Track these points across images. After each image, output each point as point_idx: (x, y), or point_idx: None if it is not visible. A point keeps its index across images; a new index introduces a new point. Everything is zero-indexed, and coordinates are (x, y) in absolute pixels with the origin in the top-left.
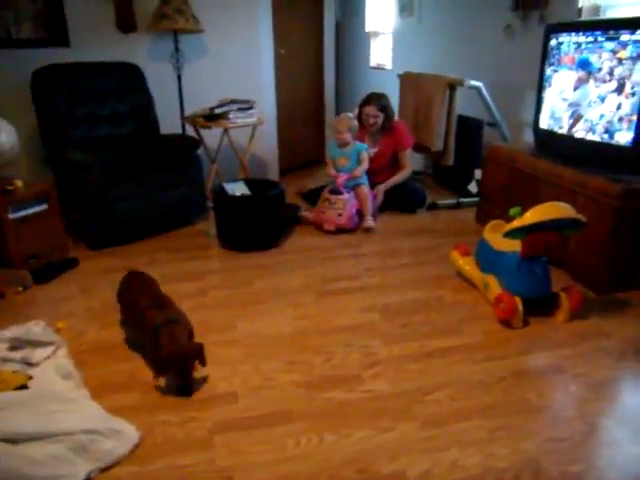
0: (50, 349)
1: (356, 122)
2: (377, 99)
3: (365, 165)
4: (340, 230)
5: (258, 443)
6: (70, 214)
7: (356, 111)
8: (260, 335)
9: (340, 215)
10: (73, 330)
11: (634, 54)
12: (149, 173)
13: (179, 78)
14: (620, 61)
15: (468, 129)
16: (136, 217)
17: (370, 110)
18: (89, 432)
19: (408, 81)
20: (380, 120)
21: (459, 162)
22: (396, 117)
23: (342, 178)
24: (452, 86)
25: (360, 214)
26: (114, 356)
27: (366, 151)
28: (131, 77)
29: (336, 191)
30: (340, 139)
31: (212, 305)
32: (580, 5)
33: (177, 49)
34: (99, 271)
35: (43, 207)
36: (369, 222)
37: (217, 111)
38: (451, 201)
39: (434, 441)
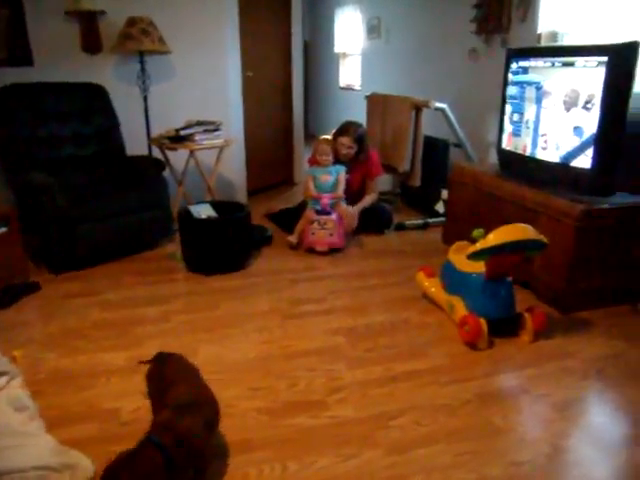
0: (3, 380)
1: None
2: (354, 131)
3: (343, 185)
4: (333, 250)
5: (219, 474)
6: (32, 237)
7: (331, 135)
8: (223, 361)
9: (332, 235)
10: (31, 358)
11: (589, 80)
12: (113, 195)
13: (145, 99)
14: (577, 86)
15: (435, 150)
16: (100, 240)
17: (345, 141)
18: (40, 468)
19: (375, 102)
20: (353, 151)
21: (426, 182)
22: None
23: (327, 198)
24: (418, 108)
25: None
26: (74, 385)
27: (344, 172)
28: (96, 98)
29: (323, 211)
30: (326, 162)
31: (175, 330)
32: (539, 31)
33: (143, 70)
34: (61, 296)
35: (3, 230)
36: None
37: (183, 133)
38: (418, 221)
39: (398, 468)
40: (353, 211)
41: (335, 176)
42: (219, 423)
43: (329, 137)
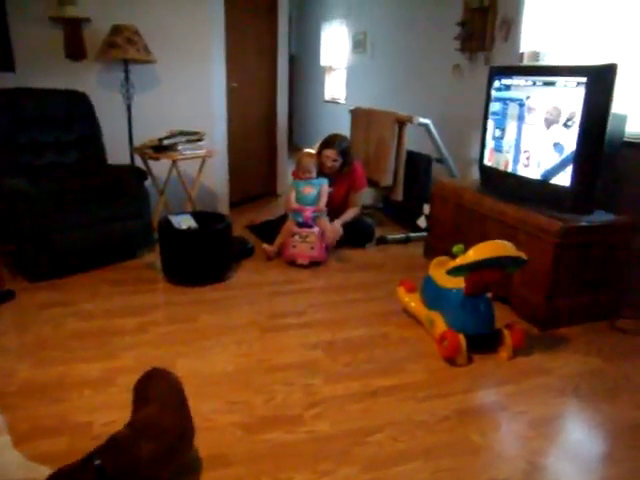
0: None
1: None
2: (338, 143)
3: (325, 199)
4: (313, 263)
5: None
6: (7, 244)
7: (315, 147)
8: (201, 374)
9: (313, 249)
10: (2, 369)
11: (570, 99)
12: (93, 203)
13: (129, 108)
14: (558, 104)
15: (417, 164)
16: (78, 248)
17: (330, 153)
18: None
19: (359, 116)
20: (338, 164)
21: (408, 197)
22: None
23: (309, 211)
24: (401, 122)
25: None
26: (45, 397)
27: (327, 185)
28: (78, 105)
29: (304, 224)
30: (309, 177)
31: (153, 342)
32: (521, 51)
33: (127, 79)
34: (36, 305)
35: None
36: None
37: (166, 142)
38: (400, 236)
39: None
40: (336, 226)
41: (318, 189)
42: (186, 452)
43: (312, 151)
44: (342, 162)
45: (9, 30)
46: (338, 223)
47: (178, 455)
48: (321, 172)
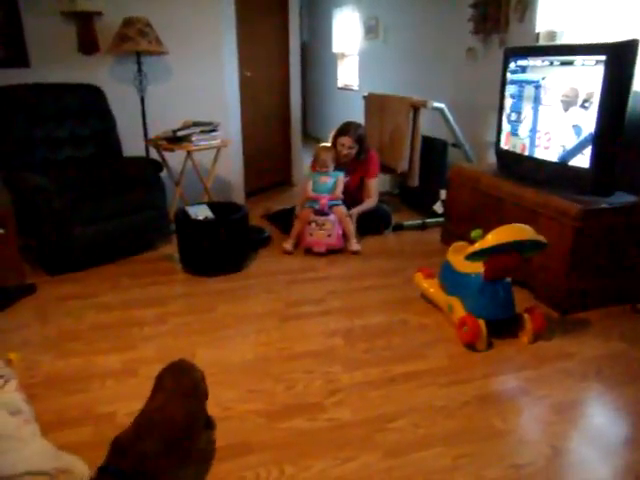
0: None
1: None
2: (354, 130)
3: (341, 188)
4: (331, 251)
5: (216, 477)
6: (28, 238)
7: (330, 136)
8: (220, 363)
9: (330, 236)
10: (26, 361)
11: (588, 78)
12: (110, 197)
13: (142, 100)
14: (576, 84)
15: (433, 150)
16: (97, 242)
17: (346, 141)
18: (35, 473)
19: (373, 102)
20: (354, 152)
21: (425, 182)
22: None
23: (326, 199)
24: (416, 108)
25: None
26: (69, 388)
27: (343, 176)
28: (92, 99)
29: (321, 212)
30: (326, 171)
31: (172, 332)
32: (537, 31)
33: (140, 71)
34: (57, 298)
35: (0, 232)
36: (355, 246)
37: (180, 134)
38: (417, 222)
39: (396, 471)
40: (351, 215)
41: (334, 179)
42: (195, 440)
43: (329, 145)
44: (358, 149)
45: (23, 26)
46: (354, 213)
47: (187, 444)
48: (338, 161)
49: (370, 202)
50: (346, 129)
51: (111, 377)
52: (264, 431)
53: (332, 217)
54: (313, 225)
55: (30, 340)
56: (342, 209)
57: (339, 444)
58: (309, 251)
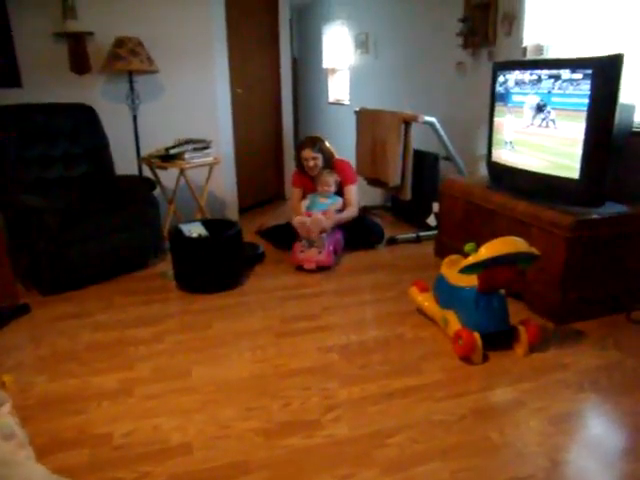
0: None
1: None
2: (312, 142)
3: (334, 207)
4: (320, 268)
5: None
6: (21, 258)
7: (294, 160)
8: (217, 381)
9: (320, 253)
10: (20, 382)
11: (575, 91)
12: (104, 215)
13: (135, 118)
14: (563, 97)
15: (425, 163)
16: (91, 261)
17: (307, 154)
18: None
19: (364, 117)
20: (320, 162)
21: (417, 196)
22: (337, 156)
23: (317, 214)
24: (407, 122)
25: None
26: (64, 410)
27: (341, 201)
28: (85, 118)
29: (310, 243)
30: (328, 191)
31: (168, 351)
32: (524, 45)
33: (132, 90)
34: (51, 318)
35: None
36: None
37: (172, 151)
38: (410, 235)
39: None
40: (319, 217)
41: (332, 201)
42: None
43: (329, 170)
44: (323, 159)
45: (15, 47)
46: (328, 222)
47: None
48: (307, 180)
49: (350, 211)
50: (305, 142)
51: (107, 397)
52: (262, 449)
53: (324, 234)
54: (304, 242)
55: (24, 362)
56: (317, 214)
57: (337, 461)
58: (300, 268)
